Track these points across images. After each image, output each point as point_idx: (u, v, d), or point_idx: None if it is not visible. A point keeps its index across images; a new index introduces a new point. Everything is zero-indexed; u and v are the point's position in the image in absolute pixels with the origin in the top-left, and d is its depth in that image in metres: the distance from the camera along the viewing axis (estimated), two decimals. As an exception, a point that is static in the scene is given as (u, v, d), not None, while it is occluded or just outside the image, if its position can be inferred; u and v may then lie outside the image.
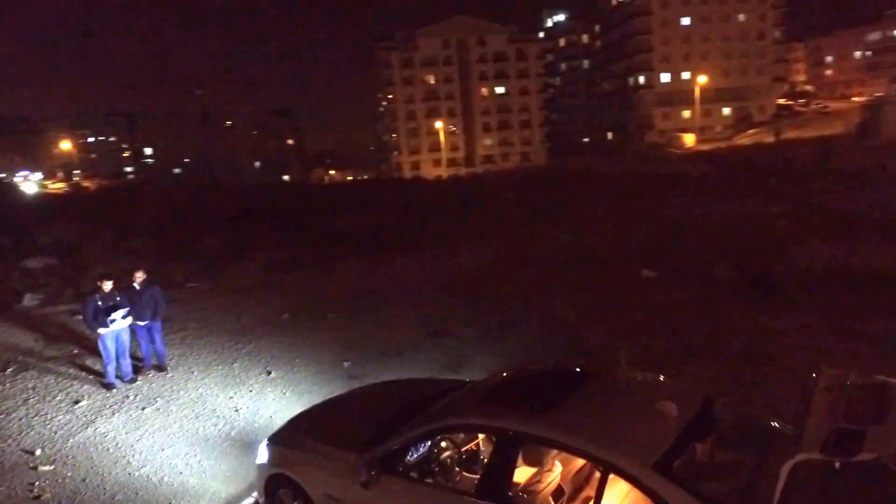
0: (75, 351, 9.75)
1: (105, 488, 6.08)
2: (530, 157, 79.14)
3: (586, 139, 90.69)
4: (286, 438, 5.15)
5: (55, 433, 7.23)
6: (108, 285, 8.26)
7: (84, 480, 6.22)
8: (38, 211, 29.46)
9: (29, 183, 75.96)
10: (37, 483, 6.20)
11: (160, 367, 8.93)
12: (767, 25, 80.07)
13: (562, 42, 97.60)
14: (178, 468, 6.39)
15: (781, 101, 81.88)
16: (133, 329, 8.60)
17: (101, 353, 8.31)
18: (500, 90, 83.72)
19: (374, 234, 19.64)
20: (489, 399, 4.39)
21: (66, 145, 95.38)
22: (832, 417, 3.29)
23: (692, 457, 3.83)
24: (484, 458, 4.51)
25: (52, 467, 6.49)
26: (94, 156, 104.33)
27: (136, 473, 6.33)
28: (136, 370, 8.76)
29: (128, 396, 8.12)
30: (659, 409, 3.93)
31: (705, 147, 61.09)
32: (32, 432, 7.29)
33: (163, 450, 6.76)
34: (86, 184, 72.26)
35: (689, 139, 69.88)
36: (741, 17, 78.83)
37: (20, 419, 7.61)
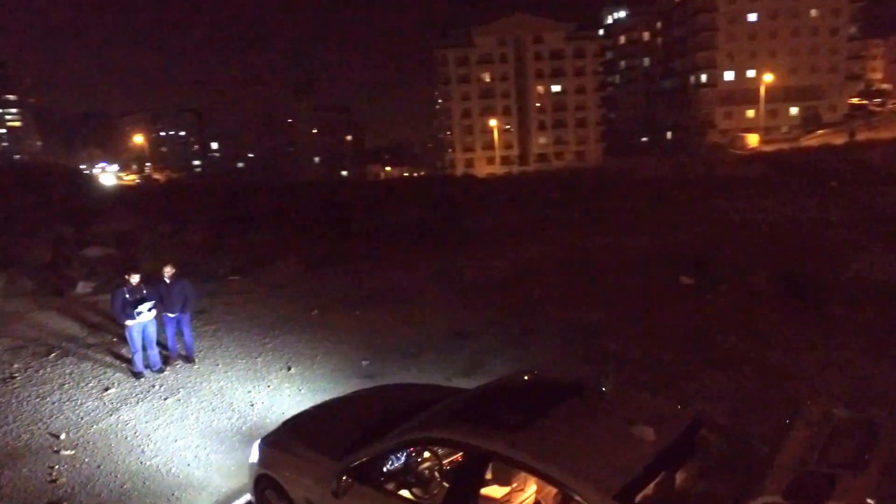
0: (114, 339, 10.10)
1: (117, 476, 6.25)
2: (585, 157, 77.73)
3: (644, 139, 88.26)
4: (276, 440, 5.14)
5: (82, 419, 7.51)
6: (135, 279, 8.51)
7: (99, 467, 6.42)
8: (107, 201, 31.01)
9: (107, 174, 80.00)
10: (56, 467, 6.44)
11: (188, 359, 9.15)
12: (841, 21, 75.63)
13: (622, 39, 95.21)
14: (187, 460, 6.51)
15: (854, 100, 77.32)
16: (162, 320, 8.86)
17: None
18: (556, 88, 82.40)
19: (418, 231, 19.69)
20: (463, 413, 4.23)
21: (139, 139, 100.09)
22: (805, 457, 2.97)
23: (669, 486, 3.55)
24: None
25: (73, 452, 6.73)
26: (164, 149, 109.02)
27: (148, 463, 6.49)
28: (166, 360, 9.01)
29: (154, 386, 8.36)
30: (635, 434, 3.68)
31: (768, 148, 58.30)
32: (62, 417, 7.59)
33: (176, 441, 6.91)
34: (156, 176, 75.60)
35: (752, 139, 66.90)
36: (813, 12, 74.76)
37: (53, 403, 7.94)
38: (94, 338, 10.31)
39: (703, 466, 3.82)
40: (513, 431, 3.78)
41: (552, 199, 26.55)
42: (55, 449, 6.80)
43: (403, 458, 4.32)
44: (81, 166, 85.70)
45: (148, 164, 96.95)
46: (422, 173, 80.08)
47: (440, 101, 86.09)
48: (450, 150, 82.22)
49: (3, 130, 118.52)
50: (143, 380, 8.52)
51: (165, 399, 7.97)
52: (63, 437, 7.05)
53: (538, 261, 14.99)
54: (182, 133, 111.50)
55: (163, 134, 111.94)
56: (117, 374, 8.74)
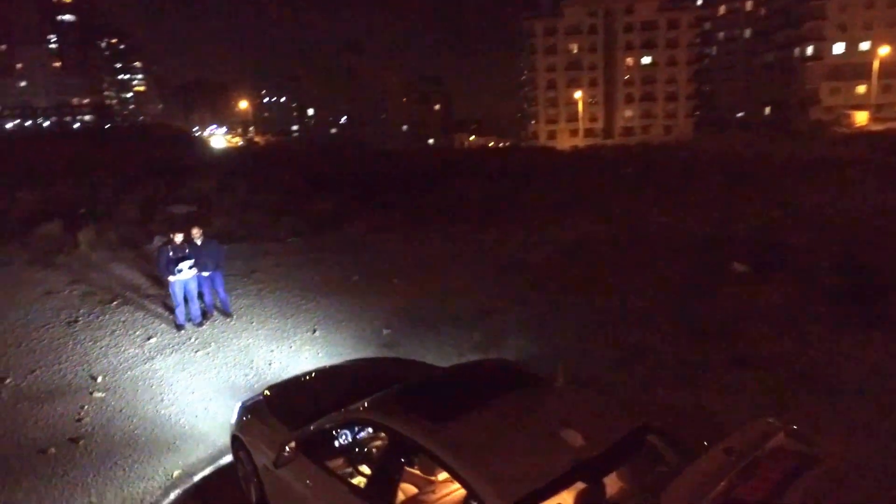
0: (169, 293, 10.63)
1: (133, 421, 6.57)
2: (673, 131, 73.49)
3: (740, 114, 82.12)
4: (251, 405, 5.16)
5: (120, 364, 7.95)
6: (178, 238, 8.83)
7: (121, 411, 6.78)
8: (206, 161, 32.71)
9: (216, 137, 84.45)
10: (85, 407, 6.86)
11: (226, 314, 9.47)
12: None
13: (721, 9, 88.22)
14: (197, 412, 6.74)
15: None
16: (199, 279, 9.17)
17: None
18: (646, 60, 77.92)
19: (483, 203, 19.35)
20: (403, 398, 4.00)
21: (244, 104, 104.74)
22: (702, 489, 2.52)
23: (594, 497, 3.18)
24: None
25: (103, 395, 7.14)
26: (266, 114, 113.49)
27: (163, 411, 6.77)
28: (205, 316, 9.37)
29: (190, 339, 8.71)
30: (563, 437, 3.33)
31: (878, 127, 52.64)
32: (105, 360, 8.07)
33: (193, 392, 7.17)
34: (257, 139, 78.92)
35: (860, 117, 60.59)
36: (942, -22, 65.91)
37: (101, 347, 8.46)
38: (153, 290, 10.87)
39: (645, 478, 3.41)
40: (438, 423, 3.53)
41: (625, 175, 25.30)
42: (90, 390, 7.24)
43: (352, 437, 4.19)
44: (194, 129, 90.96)
45: (251, 127, 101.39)
46: (506, 143, 78.70)
47: (526, 72, 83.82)
48: (533, 122, 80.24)
49: (130, 94, 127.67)
50: (183, 332, 8.90)
51: (196, 352, 8.29)
52: (100, 379, 7.50)
53: (590, 238, 14.29)
54: (283, 99, 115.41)
55: (266, 100, 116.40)
56: (162, 325, 9.17)
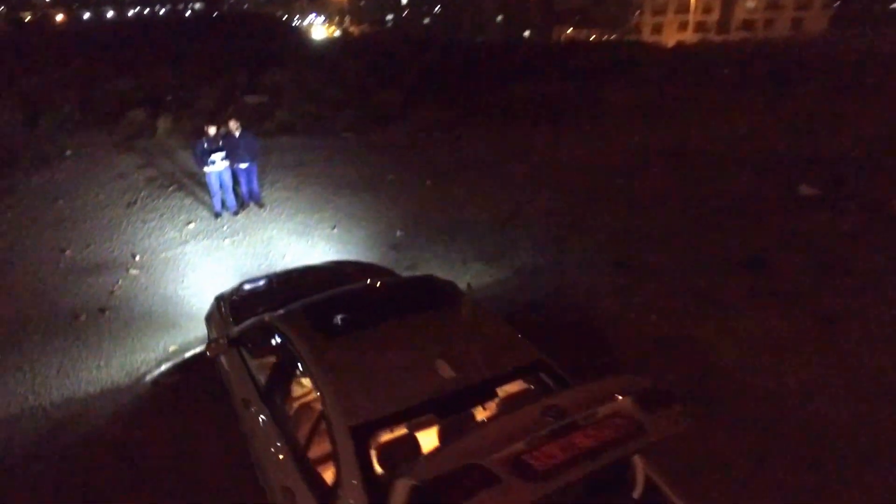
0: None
1: (153, 298, 7.24)
2: (804, 26, 64.24)
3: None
4: (221, 297, 5.48)
5: (159, 245, 8.64)
6: (212, 130, 9.14)
7: (146, 288, 7.47)
8: (294, 50, 32.82)
9: (315, 26, 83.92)
10: (119, 282, 7.62)
11: (260, 205, 9.90)
12: None
13: None
14: (207, 296, 7.26)
15: None
16: (235, 171, 9.55)
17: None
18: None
19: (555, 101, 18.30)
20: (310, 308, 4.06)
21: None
22: (487, 448, 2.38)
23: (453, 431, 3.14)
24: None
25: (137, 272, 7.87)
26: (362, 3, 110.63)
27: (180, 292, 7.40)
28: (242, 206, 9.84)
29: (223, 227, 9.25)
30: (434, 366, 3.28)
31: None
32: (147, 241, 8.80)
33: (210, 277, 7.74)
34: (351, 29, 77.60)
35: None
36: None
37: (148, 229, 9.20)
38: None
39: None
40: (325, 337, 3.60)
41: (720, 77, 22.80)
42: (128, 267, 7.98)
43: (275, 340, 4.36)
44: (295, 18, 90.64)
45: (347, 17, 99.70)
46: (609, 37, 72.62)
47: (638, -45, 75.04)
48: (637, 13, 72.93)
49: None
50: (219, 220, 9.45)
51: (224, 239, 8.82)
52: (138, 258, 8.24)
53: (654, 148, 13.28)
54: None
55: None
56: (204, 213, 9.76)
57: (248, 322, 4.41)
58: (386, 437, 3.16)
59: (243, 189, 9.87)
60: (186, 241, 8.76)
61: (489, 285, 7.42)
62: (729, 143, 13.37)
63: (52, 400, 5.36)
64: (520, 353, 3.53)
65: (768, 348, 5.86)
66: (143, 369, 5.82)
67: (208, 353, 4.47)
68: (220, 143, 9.15)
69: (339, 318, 3.77)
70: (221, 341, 4.41)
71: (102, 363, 5.92)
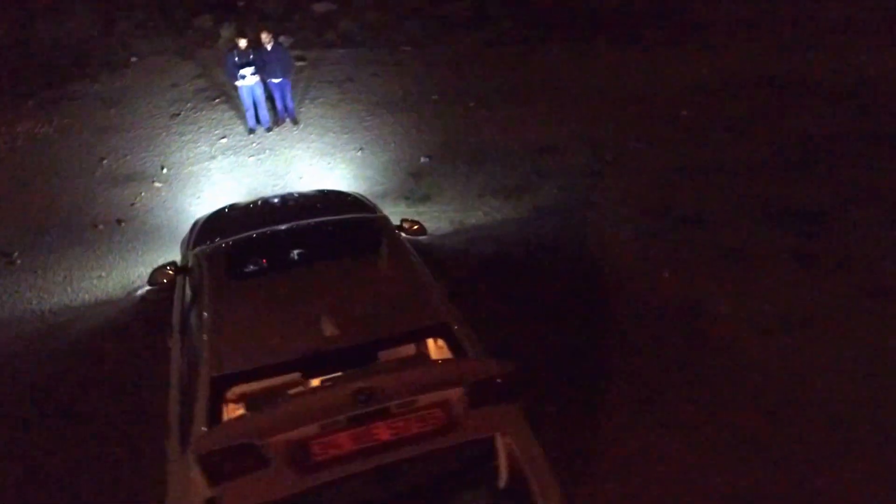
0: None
1: (167, 213, 7.52)
2: None
3: None
4: (196, 222, 5.53)
5: (188, 159, 8.89)
6: (242, 43, 9.04)
7: (164, 203, 7.77)
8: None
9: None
10: (142, 194, 7.96)
11: (295, 121, 9.86)
12: None
13: None
14: (216, 213, 7.46)
15: None
16: (270, 86, 9.47)
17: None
18: None
19: (655, 14, 16.49)
20: (226, 247, 3.93)
21: None
22: (265, 430, 2.18)
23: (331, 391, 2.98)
24: None
25: (160, 185, 8.18)
26: None
27: (192, 208, 7.62)
28: (276, 122, 9.84)
29: (252, 143, 9.33)
30: (320, 322, 3.09)
31: None
32: (179, 154, 9.05)
33: (224, 195, 7.87)
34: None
35: None
36: None
37: (183, 141, 9.45)
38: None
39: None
40: (230, 278, 3.49)
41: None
42: (153, 180, 8.31)
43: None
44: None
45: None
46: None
47: None
48: None
49: None
50: (252, 136, 9.52)
51: (250, 156, 8.92)
52: (165, 171, 8.53)
53: (747, 75, 11.71)
54: None
55: None
56: (239, 127, 9.86)
57: (187, 253, 4.44)
58: (253, 389, 3.09)
59: (278, 105, 9.83)
60: (214, 157, 8.94)
61: (499, 223, 7.04)
62: (849, 77, 11.54)
63: (51, 306, 5.81)
64: (421, 315, 3.27)
65: (786, 322, 5.20)
66: (136, 284, 6.13)
67: (147, 280, 4.57)
68: (251, 56, 9.05)
69: (252, 261, 3.66)
70: (168, 269, 4.48)
71: (104, 274, 6.30)
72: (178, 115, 10.50)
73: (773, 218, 6.75)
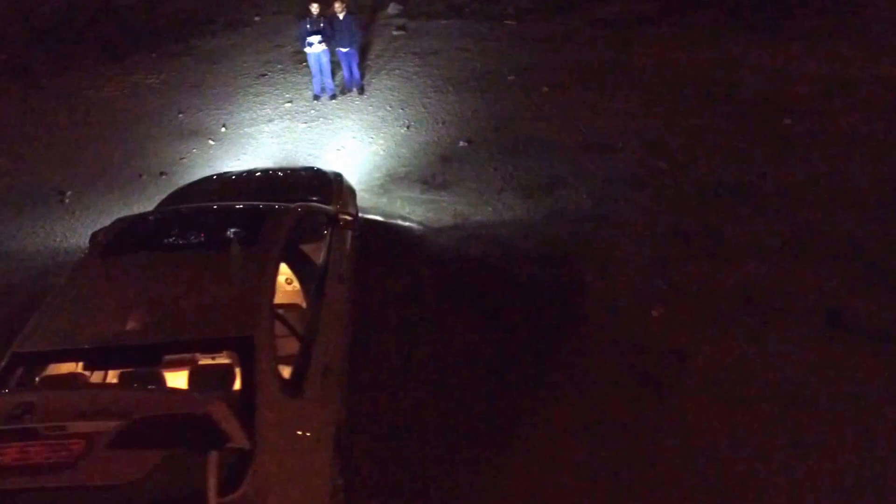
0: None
1: (202, 173, 7.96)
2: None
3: None
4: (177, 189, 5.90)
5: (248, 119, 9.47)
6: (314, 9, 9.33)
7: (207, 161, 8.38)
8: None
9: None
10: (194, 150, 8.66)
11: (360, 91, 10.06)
12: None
13: None
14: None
15: None
16: (338, 54, 9.73)
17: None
18: None
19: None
20: (139, 220, 4.09)
21: None
22: None
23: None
24: None
25: (213, 143, 8.82)
26: None
27: (225, 168, 8.10)
28: (343, 91, 10.11)
29: (312, 110, 9.69)
30: (132, 314, 3.13)
31: None
32: (243, 114, 9.67)
33: (260, 159, 8.30)
34: None
35: None
36: None
37: (252, 101, 10.05)
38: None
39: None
40: (103, 252, 3.67)
41: None
42: (210, 137, 8.98)
43: None
44: None
45: None
46: None
47: None
48: None
49: None
50: (315, 102, 9.89)
51: (303, 123, 9.28)
52: (223, 130, 9.18)
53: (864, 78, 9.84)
54: None
55: None
56: (308, 93, 10.26)
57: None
58: (54, 371, 3.21)
59: (345, 74, 10.08)
60: (272, 120, 9.43)
61: (505, 223, 6.67)
62: None
63: (69, 245, 6.58)
64: (227, 324, 3.18)
65: (775, 395, 4.38)
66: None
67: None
68: (321, 24, 9.32)
69: (136, 240, 3.84)
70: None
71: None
72: (265, 76, 11.16)
73: (832, 268, 5.65)
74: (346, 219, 4.98)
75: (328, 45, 9.47)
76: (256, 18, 14.58)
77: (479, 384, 4.65)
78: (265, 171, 6.76)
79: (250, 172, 6.72)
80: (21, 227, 6.93)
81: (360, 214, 7.01)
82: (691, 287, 5.45)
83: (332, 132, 9.00)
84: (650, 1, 14.93)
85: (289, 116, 9.52)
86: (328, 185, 5.72)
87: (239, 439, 2.47)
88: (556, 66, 11.02)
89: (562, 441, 4.19)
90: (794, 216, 6.43)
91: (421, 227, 6.63)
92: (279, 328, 3.49)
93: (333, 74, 10.11)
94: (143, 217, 4.36)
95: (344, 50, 9.61)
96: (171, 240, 3.87)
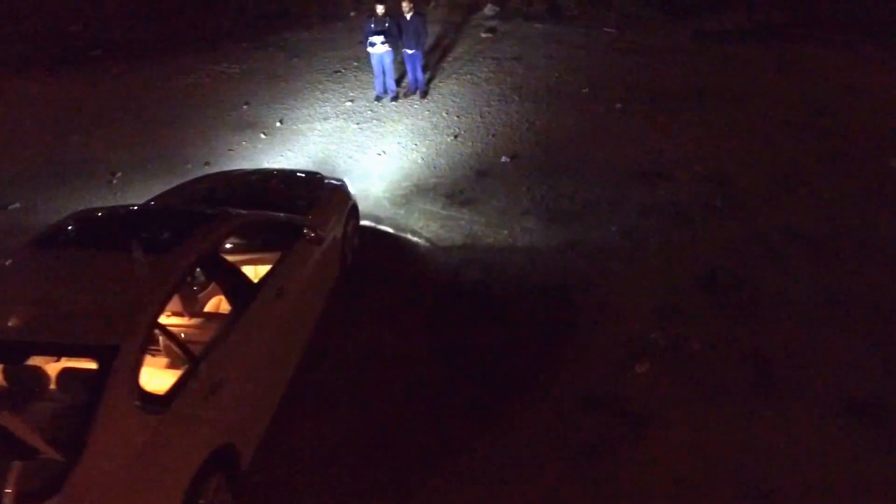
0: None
1: (242, 166, 8.43)
2: None
3: None
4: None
5: (305, 116, 9.78)
6: (380, 9, 9.48)
7: (252, 156, 8.71)
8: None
9: None
10: (244, 143, 9.06)
11: (424, 94, 10.10)
12: None
13: None
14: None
15: None
16: (402, 55, 9.84)
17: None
18: None
19: None
20: (90, 215, 4.28)
21: None
22: None
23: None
24: None
25: (265, 137, 9.20)
26: None
27: (267, 164, 8.44)
28: (405, 93, 10.19)
29: (370, 111, 9.85)
30: (16, 311, 3.29)
31: None
32: (304, 110, 10.01)
33: (302, 158, 8.55)
34: None
35: None
36: None
37: (317, 98, 10.36)
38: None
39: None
40: (44, 241, 3.89)
41: None
42: (263, 131, 9.40)
43: None
44: None
45: None
46: None
47: None
48: None
49: None
50: (376, 103, 10.06)
51: (356, 123, 9.45)
52: (279, 125, 9.57)
53: None
54: None
55: None
56: (370, 93, 10.45)
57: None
58: None
59: (409, 76, 10.15)
60: (328, 118, 9.70)
61: (515, 250, 6.35)
62: None
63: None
64: (96, 330, 3.24)
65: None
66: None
67: None
68: (386, 24, 9.45)
69: (70, 231, 4.06)
70: None
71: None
72: (339, 72, 11.52)
73: (880, 356, 4.81)
74: (310, 235, 4.96)
75: (394, 45, 9.59)
76: (352, 14, 15.09)
77: (420, 423, 4.45)
78: (264, 174, 6.86)
79: (249, 173, 6.91)
80: (67, 204, 7.63)
81: (374, 225, 7.05)
82: (693, 346, 4.88)
83: (379, 136, 9.09)
84: (779, 10, 13.76)
85: (345, 116, 9.75)
86: (316, 196, 5.70)
87: (46, 450, 2.54)
88: (640, 82, 10.43)
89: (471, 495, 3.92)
90: (864, 284, 5.57)
91: (427, 245, 6.50)
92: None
93: (400, 76, 10.26)
94: (94, 211, 4.61)
95: (410, 52, 9.68)
96: (100, 238, 4.03)
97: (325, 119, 9.68)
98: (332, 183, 6.24)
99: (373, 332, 5.22)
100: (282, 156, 8.72)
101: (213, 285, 4.42)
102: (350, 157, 8.54)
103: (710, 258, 5.96)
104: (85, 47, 13.68)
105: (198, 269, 4.06)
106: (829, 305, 5.26)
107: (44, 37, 14.38)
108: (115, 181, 8.22)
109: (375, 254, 6.39)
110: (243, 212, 4.55)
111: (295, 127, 9.50)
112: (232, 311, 4.00)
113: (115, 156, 8.78)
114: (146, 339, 3.30)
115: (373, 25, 9.48)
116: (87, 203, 7.79)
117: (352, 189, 7.61)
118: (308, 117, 9.78)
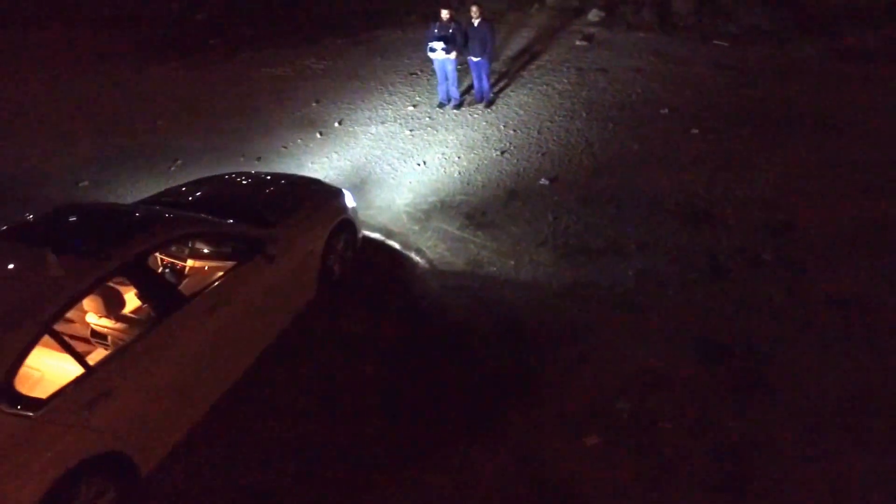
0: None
1: (292, 167, 8.70)
2: None
3: None
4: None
5: (365, 119, 9.95)
6: (444, 14, 9.43)
7: (302, 154, 9.02)
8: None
9: None
10: (299, 141, 9.40)
11: (489, 103, 9.92)
12: None
13: None
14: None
15: None
16: (468, 63, 9.73)
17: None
18: None
19: None
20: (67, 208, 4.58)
21: None
22: None
23: None
24: None
25: (320, 138, 9.49)
26: None
27: (311, 167, 8.66)
28: (469, 102, 10.07)
29: (428, 117, 9.83)
30: None
31: None
32: (366, 112, 10.16)
33: (344, 162, 8.70)
34: None
35: None
36: None
37: (383, 101, 10.48)
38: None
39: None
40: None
41: None
42: (321, 131, 9.70)
43: None
44: None
45: None
46: None
47: None
48: None
49: None
50: (438, 109, 10.02)
51: (411, 130, 9.47)
52: (337, 125, 9.82)
53: None
54: None
55: None
56: (435, 99, 10.41)
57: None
58: None
59: (474, 84, 10.01)
60: (384, 122, 9.79)
61: (514, 284, 6.04)
62: None
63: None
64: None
65: None
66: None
67: None
68: (450, 30, 9.37)
69: (38, 224, 4.39)
70: None
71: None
72: (414, 75, 11.61)
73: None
74: (269, 253, 4.91)
75: (459, 52, 9.49)
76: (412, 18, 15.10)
77: (337, 467, 4.37)
78: (256, 179, 6.81)
79: (248, 175, 7.09)
80: (131, 188, 8.35)
81: (383, 239, 7.02)
82: (665, 424, 4.34)
83: (427, 144, 9.04)
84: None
85: (402, 121, 9.81)
86: (295, 208, 5.60)
87: None
88: (733, 104, 9.57)
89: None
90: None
91: (426, 266, 6.36)
92: None
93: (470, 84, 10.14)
94: (69, 207, 4.95)
95: (475, 59, 9.54)
96: (43, 236, 4.30)
97: (382, 122, 9.81)
98: (326, 193, 6.24)
99: (325, 360, 5.13)
100: (327, 158, 8.94)
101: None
102: (389, 165, 8.58)
103: (730, 324, 5.29)
104: (206, 36, 14.85)
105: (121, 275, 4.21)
106: (843, 415, 4.41)
107: (173, 24, 15.75)
108: (173, 168, 8.86)
109: (371, 271, 6.36)
110: (199, 220, 4.71)
111: (351, 129, 9.71)
112: (148, 322, 4.15)
113: (183, 142, 9.47)
114: (32, 341, 3.51)
115: (435, 31, 9.44)
116: (144, 186, 8.44)
117: (373, 200, 7.73)
118: (367, 119, 9.95)
